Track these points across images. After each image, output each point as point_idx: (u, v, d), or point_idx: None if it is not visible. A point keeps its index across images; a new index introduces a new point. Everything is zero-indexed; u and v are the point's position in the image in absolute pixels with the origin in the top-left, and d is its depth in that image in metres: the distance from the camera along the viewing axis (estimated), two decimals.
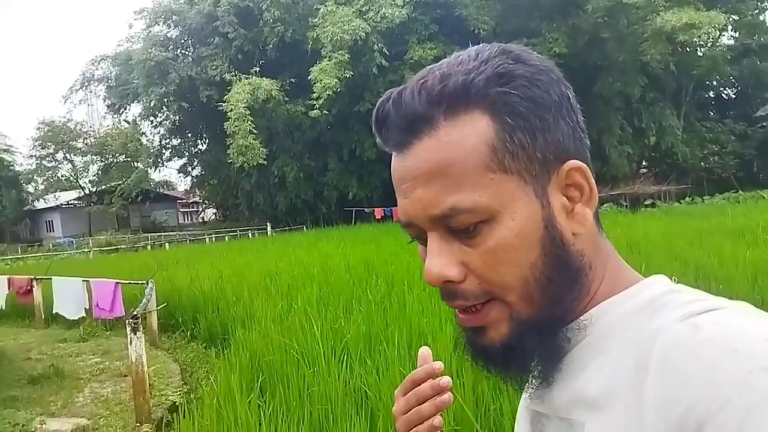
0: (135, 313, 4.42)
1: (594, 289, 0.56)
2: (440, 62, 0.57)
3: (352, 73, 25.93)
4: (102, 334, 8.24)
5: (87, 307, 7.93)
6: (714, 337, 0.44)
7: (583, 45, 27.74)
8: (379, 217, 27.70)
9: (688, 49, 30.16)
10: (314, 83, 25.35)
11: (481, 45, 0.57)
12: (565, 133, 0.56)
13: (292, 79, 29.42)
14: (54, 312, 8.38)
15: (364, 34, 25.40)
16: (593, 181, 0.57)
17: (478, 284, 0.54)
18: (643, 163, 36.96)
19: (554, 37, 27.19)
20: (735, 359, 0.41)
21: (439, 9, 29.27)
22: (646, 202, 23.27)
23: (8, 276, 9.56)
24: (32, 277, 9.17)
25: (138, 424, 4.41)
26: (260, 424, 3.24)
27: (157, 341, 7.29)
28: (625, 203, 24.47)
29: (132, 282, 7.48)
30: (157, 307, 6.38)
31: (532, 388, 0.58)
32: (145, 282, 7.33)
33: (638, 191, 25.80)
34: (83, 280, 8.03)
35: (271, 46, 29.51)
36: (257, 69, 28.65)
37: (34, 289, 9.01)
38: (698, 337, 0.45)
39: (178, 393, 5.27)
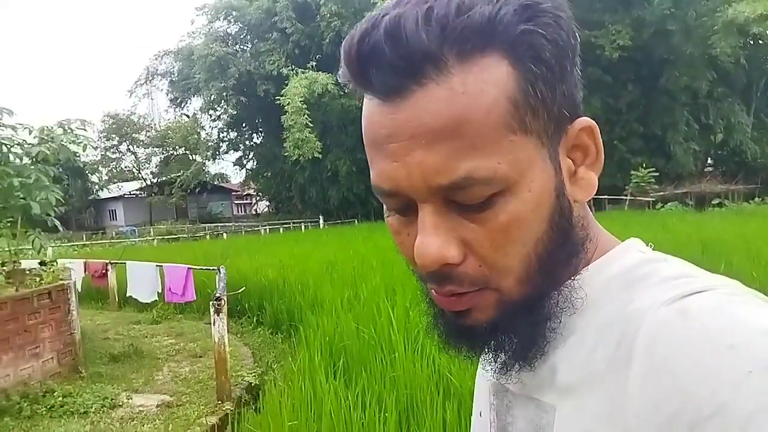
0: (218, 295, 4.54)
1: (586, 261, 0.51)
2: None
3: None
4: (174, 317, 8.55)
5: (159, 291, 8.25)
6: (707, 328, 0.39)
7: (648, 37, 26.74)
8: None
9: (760, 41, 28.64)
10: None
11: None
12: (576, 84, 0.49)
13: None
14: (127, 295, 8.75)
15: None
16: (600, 141, 0.50)
17: (478, 267, 0.46)
18: (709, 161, 35.38)
19: (618, 29, 26.32)
20: (732, 357, 0.36)
21: None
22: (713, 202, 22.24)
23: (84, 260, 10.02)
24: (107, 261, 9.60)
25: (219, 402, 4.55)
26: (349, 407, 3.28)
27: (228, 326, 7.49)
28: (690, 202, 23.49)
29: (203, 268, 7.70)
30: (232, 292, 6.56)
31: (506, 364, 0.52)
32: (215, 268, 7.54)
33: (705, 190, 24.72)
34: (156, 265, 8.34)
35: (327, 40, 29.83)
36: (313, 63, 29.01)
37: (108, 272, 9.43)
38: (689, 327, 0.39)
39: (253, 374, 5.41)
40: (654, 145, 29.56)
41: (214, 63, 31.27)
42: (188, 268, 7.79)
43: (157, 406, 4.60)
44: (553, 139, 0.47)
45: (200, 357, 6.23)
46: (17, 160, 5.26)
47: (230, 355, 6.05)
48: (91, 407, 4.48)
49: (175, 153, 47.05)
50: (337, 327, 5.02)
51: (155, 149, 48.27)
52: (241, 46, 35.74)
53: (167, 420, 4.28)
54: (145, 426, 4.17)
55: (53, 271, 6.27)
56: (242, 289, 5.91)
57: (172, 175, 43.49)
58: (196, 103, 39.34)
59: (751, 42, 27.66)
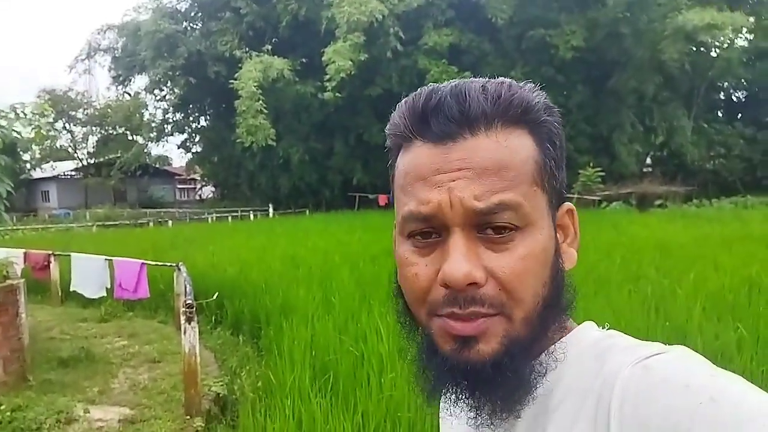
0: (189, 302, 4.18)
1: (566, 332, 0.60)
2: (484, 79, 0.58)
3: (366, 56, 25.49)
4: (123, 315, 7.99)
5: (108, 287, 7.69)
6: (666, 376, 0.47)
7: (601, 39, 27.43)
8: (383, 204, 27.44)
9: (703, 49, 29.94)
10: (327, 64, 24.91)
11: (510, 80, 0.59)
12: (565, 175, 0.61)
13: (304, 59, 28.94)
14: (71, 289, 8.13)
15: (381, 16, 24.94)
16: (578, 223, 0.62)
17: (498, 290, 0.53)
18: (648, 161, 36.83)
19: (572, 29, 26.86)
20: (687, 395, 0.45)
21: None
22: (655, 202, 23.12)
23: (24, 250, 9.25)
24: (50, 252, 8.88)
25: (188, 417, 4.19)
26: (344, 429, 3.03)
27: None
28: (633, 202, 24.33)
29: (159, 264, 7.21)
30: (204, 298, 6.13)
31: (486, 415, 0.57)
32: (173, 264, 7.08)
33: (647, 190, 25.64)
34: (105, 259, 7.77)
35: (284, 23, 28.97)
36: (269, 47, 28.12)
37: (51, 264, 8.73)
38: (652, 378, 0.48)
39: (220, 383, 5.05)
40: (600, 145, 30.46)
41: (162, 40, 29.83)
42: (142, 263, 7.29)
43: (119, 421, 4.19)
44: (554, 207, 0.58)
45: (158, 362, 5.81)
46: None
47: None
48: (45, 422, 4.02)
49: (114, 133, 44.81)
50: (314, 335, 4.75)
51: (93, 128, 45.76)
52: (191, 24, 34.26)
53: None
54: None
55: None
56: (215, 296, 5.51)
57: (111, 156, 41.42)
58: (140, 82, 37.74)
59: (695, 49, 28.83)
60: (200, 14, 33.70)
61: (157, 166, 47.67)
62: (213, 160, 39.98)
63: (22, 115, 4.80)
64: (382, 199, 27.94)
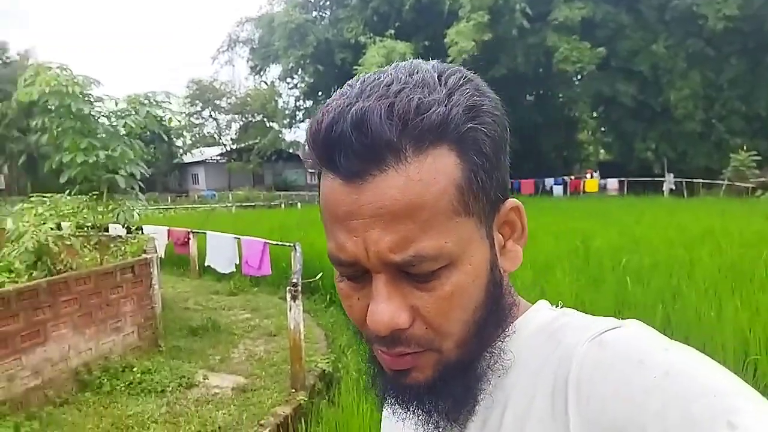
0: (294, 280, 4.37)
1: (512, 322, 0.58)
2: (392, 77, 0.50)
3: (490, 35, 24.76)
4: (249, 290, 8.61)
5: (237, 263, 8.30)
6: (620, 352, 0.47)
7: (760, 6, 24.11)
8: (528, 193, 26.27)
9: None
10: (450, 46, 24.59)
11: (433, 64, 0.54)
12: (507, 170, 0.57)
13: (426, 42, 28.82)
14: (206, 264, 8.90)
15: None
16: (525, 219, 0.58)
17: (425, 329, 0.52)
18: None
19: None
20: (641, 370, 0.45)
21: None
22: None
23: (168, 228, 10.28)
24: (189, 230, 9.79)
25: (293, 390, 4.42)
26: None
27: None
28: None
29: (279, 243, 7.64)
30: (309, 277, 6.42)
31: (433, 423, 0.56)
32: (291, 244, 7.46)
33: None
34: (234, 237, 8.38)
35: (407, 7, 28.97)
36: (392, 31, 28.35)
37: (190, 241, 9.62)
38: (606, 355, 0.48)
39: (326, 360, 5.26)
40: (757, 126, 26.96)
41: (294, 30, 31.24)
42: (264, 242, 7.77)
43: (233, 389, 4.53)
44: (489, 218, 0.54)
45: (274, 336, 6.18)
46: (103, 134, 5.26)
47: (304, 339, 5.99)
48: (168, 386, 4.48)
49: (253, 120, 48.10)
50: None
51: (235, 116, 49.53)
52: (320, 13, 35.49)
53: (241, 406, 4.19)
54: (220, 411, 4.09)
55: (137, 241, 6.37)
56: (319, 276, 5.72)
57: (250, 142, 44.50)
58: (275, 71, 39.76)
59: None
60: (329, 3, 34.81)
61: (291, 151, 50.53)
62: None
63: (154, 102, 5.29)
64: (528, 187, 26.66)
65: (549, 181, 26.52)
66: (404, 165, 0.48)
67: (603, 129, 35.38)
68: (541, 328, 0.56)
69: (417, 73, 0.51)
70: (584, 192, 25.73)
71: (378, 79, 0.51)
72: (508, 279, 0.59)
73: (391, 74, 0.51)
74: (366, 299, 0.52)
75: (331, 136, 0.49)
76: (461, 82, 0.52)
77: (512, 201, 0.57)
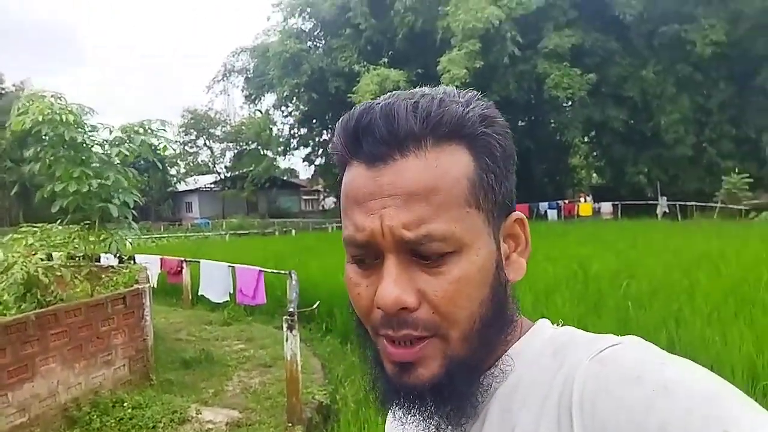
0: (291, 309, 4.27)
1: (516, 338, 0.60)
2: (417, 89, 0.58)
3: (482, 63, 25.07)
4: (244, 319, 8.46)
5: (231, 292, 8.17)
6: (619, 369, 0.49)
7: (745, 32, 24.61)
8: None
9: None
10: (442, 74, 24.85)
11: (451, 87, 0.59)
12: (514, 184, 0.60)
13: (419, 70, 29.13)
14: (199, 294, 8.75)
15: (497, 22, 24.39)
16: (529, 232, 0.61)
17: (431, 314, 0.53)
18: None
19: (711, 23, 24.37)
20: (640, 386, 0.46)
21: None
22: None
23: (161, 257, 10.15)
24: (182, 259, 9.66)
25: (290, 424, 4.28)
26: None
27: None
28: None
29: (274, 271, 7.53)
30: (306, 306, 6.30)
31: (434, 427, 0.58)
32: (287, 272, 7.35)
33: None
34: (228, 266, 8.27)
35: (400, 36, 29.39)
36: (385, 60, 28.69)
37: (183, 270, 9.49)
38: (607, 372, 0.49)
39: (323, 392, 5.13)
40: (747, 148, 27.33)
41: (288, 60, 31.55)
42: (259, 270, 7.66)
43: (227, 424, 4.38)
44: (497, 221, 0.57)
45: (270, 367, 6.04)
46: (96, 163, 5.19)
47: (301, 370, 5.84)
48: (160, 421, 4.32)
49: (247, 148, 48.22)
50: None
51: (229, 144, 49.65)
52: (315, 43, 35.90)
53: None
54: None
55: (129, 271, 6.24)
56: (317, 305, 5.61)
57: (245, 170, 44.52)
58: (269, 100, 40.01)
59: None
60: (323, 33, 35.23)
61: (285, 178, 50.57)
62: (334, 171, 41.45)
63: (149, 131, 5.23)
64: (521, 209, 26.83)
65: (543, 205, 26.58)
66: (424, 153, 0.53)
67: (595, 154, 35.70)
68: (544, 346, 0.58)
69: (441, 88, 0.58)
70: (578, 216, 25.78)
71: (405, 90, 0.58)
72: (514, 292, 0.61)
73: (416, 89, 0.58)
74: (374, 286, 0.54)
75: (361, 123, 0.54)
76: (477, 98, 0.58)
77: (517, 213, 0.60)
